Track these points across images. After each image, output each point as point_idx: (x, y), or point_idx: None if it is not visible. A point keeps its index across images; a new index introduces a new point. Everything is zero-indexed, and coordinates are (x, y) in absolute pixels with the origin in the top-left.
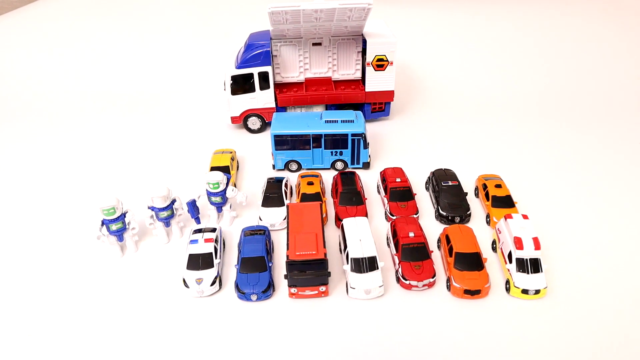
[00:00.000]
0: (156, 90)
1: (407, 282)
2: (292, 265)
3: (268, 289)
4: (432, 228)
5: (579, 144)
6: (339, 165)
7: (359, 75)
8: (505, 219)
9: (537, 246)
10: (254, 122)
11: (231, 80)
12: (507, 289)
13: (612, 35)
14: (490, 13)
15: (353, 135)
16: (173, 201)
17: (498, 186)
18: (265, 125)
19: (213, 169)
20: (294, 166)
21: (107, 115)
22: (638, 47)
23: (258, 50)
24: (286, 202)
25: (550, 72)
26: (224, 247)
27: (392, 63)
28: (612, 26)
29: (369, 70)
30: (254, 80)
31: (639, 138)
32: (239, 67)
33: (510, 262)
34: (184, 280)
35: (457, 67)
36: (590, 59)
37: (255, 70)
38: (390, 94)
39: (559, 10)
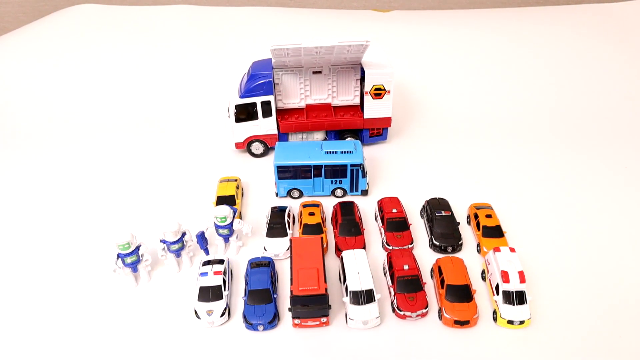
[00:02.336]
0: (161, 114)
1: (402, 312)
2: (296, 300)
3: (274, 320)
4: (426, 256)
5: (576, 172)
6: (339, 192)
7: (357, 101)
8: (494, 252)
9: (522, 280)
10: (257, 147)
11: (235, 108)
12: (494, 319)
13: (621, 58)
14: (491, 31)
15: (352, 165)
16: (183, 234)
17: (489, 216)
18: (267, 149)
19: (219, 198)
20: (295, 193)
21: (111, 138)
22: None
23: (261, 81)
24: (289, 232)
25: (554, 96)
26: (231, 277)
27: (389, 92)
28: (622, 48)
29: (367, 98)
30: (257, 109)
31: (631, 164)
32: (242, 96)
33: (497, 294)
34: (195, 312)
35: (455, 87)
36: (596, 83)
37: (258, 100)
38: (387, 120)
39: (565, 31)
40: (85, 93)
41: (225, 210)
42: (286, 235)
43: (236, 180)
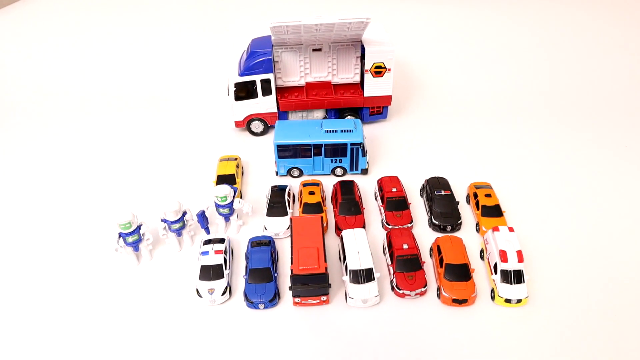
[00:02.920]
0: (160, 92)
1: (401, 291)
2: (296, 279)
3: (274, 298)
4: (425, 235)
5: (576, 150)
6: (339, 171)
7: (357, 79)
8: (493, 232)
9: (520, 259)
10: (257, 126)
11: (234, 87)
12: (492, 297)
13: (619, 35)
14: (493, 10)
15: (352, 144)
16: (184, 213)
17: (488, 195)
18: (267, 128)
19: (220, 177)
20: (295, 172)
21: (111, 116)
22: None
23: (260, 58)
24: (289, 211)
25: (553, 74)
26: (232, 256)
27: (389, 70)
28: (620, 26)
29: (368, 76)
30: (256, 87)
31: (631, 142)
32: (242, 74)
33: (496, 273)
34: (197, 290)
35: (456, 65)
36: (594, 60)
37: (257, 78)
38: (388, 99)
39: (563, 9)
40: (84, 71)
41: (226, 189)
42: (286, 214)
43: (236, 159)
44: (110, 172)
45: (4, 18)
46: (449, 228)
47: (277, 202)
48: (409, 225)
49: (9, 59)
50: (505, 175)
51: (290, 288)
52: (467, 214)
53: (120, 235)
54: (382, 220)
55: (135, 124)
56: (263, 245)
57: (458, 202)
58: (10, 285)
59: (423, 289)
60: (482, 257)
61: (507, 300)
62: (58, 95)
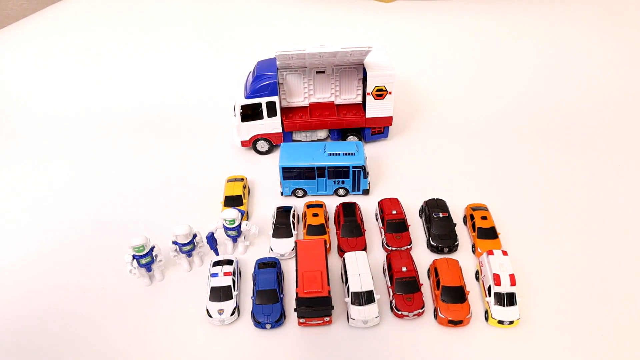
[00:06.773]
0: (165, 111)
1: (400, 312)
2: (301, 301)
3: (280, 319)
4: (423, 256)
5: (574, 173)
6: (341, 192)
7: (359, 99)
8: (487, 255)
9: (513, 282)
10: (262, 145)
11: (241, 109)
12: (486, 319)
13: (623, 53)
14: (495, 26)
15: (354, 167)
16: (194, 236)
17: (484, 217)
18: (272, 147)
19: (227, 198)
20: (300, 193)
21: (117, 138)
22: None
23: (266, 82)
24: (294, 232)
25: (556, 97)
26: (240, 276)
27: (390, 92)
28: (625, 43)
29: (369, 99)
30: (262, 109)
31: (625, 163)
32: (248, 97)
33: (489, 295)
34: (207, 311)
35: (457, 80)
36: (596, 82)
37: (263, 100)
38: (389, 120)
39: (567, 32)
40: (89, 91)
41: (234, 213)
42: (291, 235)
43: (243, 179)
44: (120, 192)
45: (12, 35)
46: (446, 250)
47: (283, 224)
48: (408, 246)
49: (18, 79)
50: (503, 196)
51: (295, 310)
52: (464, 235)
53: (134, 257)
54: (382, 242)
55: (142, 145)
56: (269, 266)
57: (455, 224)
58: (24, 304)
59: (421, 310)
60: (477, 279)
61: (500, 322)
62: (60, 115)
